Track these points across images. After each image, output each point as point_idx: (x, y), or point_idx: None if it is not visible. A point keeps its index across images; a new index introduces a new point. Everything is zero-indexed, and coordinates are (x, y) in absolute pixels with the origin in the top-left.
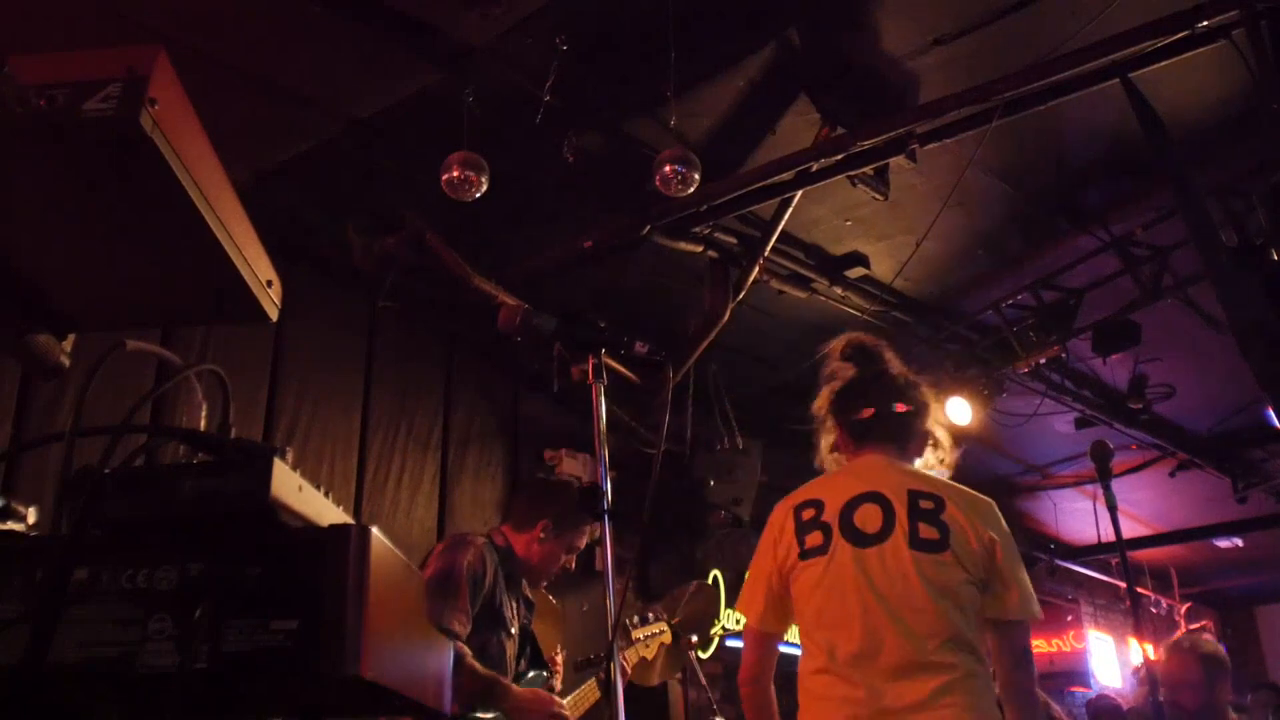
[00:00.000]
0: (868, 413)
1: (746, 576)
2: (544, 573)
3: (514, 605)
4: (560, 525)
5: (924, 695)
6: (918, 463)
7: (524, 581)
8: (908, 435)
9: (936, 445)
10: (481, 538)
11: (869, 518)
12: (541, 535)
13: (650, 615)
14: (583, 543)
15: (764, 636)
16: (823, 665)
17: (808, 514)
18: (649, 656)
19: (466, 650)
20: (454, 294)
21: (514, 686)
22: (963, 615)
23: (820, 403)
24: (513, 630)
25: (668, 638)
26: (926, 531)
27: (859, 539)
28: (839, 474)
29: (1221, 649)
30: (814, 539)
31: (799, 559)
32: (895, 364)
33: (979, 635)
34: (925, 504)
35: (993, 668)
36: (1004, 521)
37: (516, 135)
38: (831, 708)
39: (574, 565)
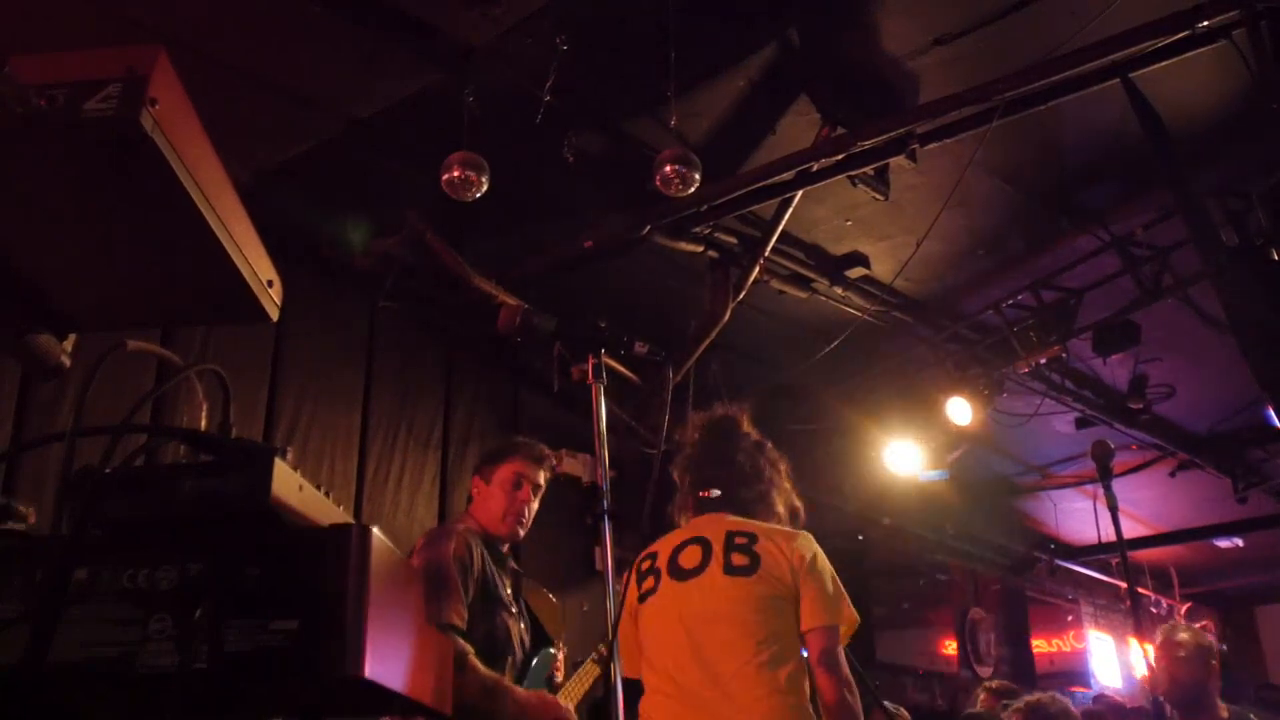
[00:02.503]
0: (712, 493)
1: None
2: (508, 523)
3: (505, 581)
4: (486, 471)
5: (745, 701)
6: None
7: (507, 556)
8: (750, 506)
9: (778, 520)
10: (461, 525)
11: (690, 556)
12: (478, 490)
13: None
14: (514, 469)
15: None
16: (656, 687)
17: (645, 564)
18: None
19: (469, 649)
20: (454, 294)
21: (517, 689)
22: (776, 628)
23: (676, 472)
24: (514, 608)
25: None
26: (739, 559)
27: (680, 575)
28: (676, 532)
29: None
30: (648, 583)
31: (638, 602)
32: (748, 448)
33: (797, 647)
34: (740, 539)
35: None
36: (814, 546)
37: (516, 135)
38: None
39: (535, 501)
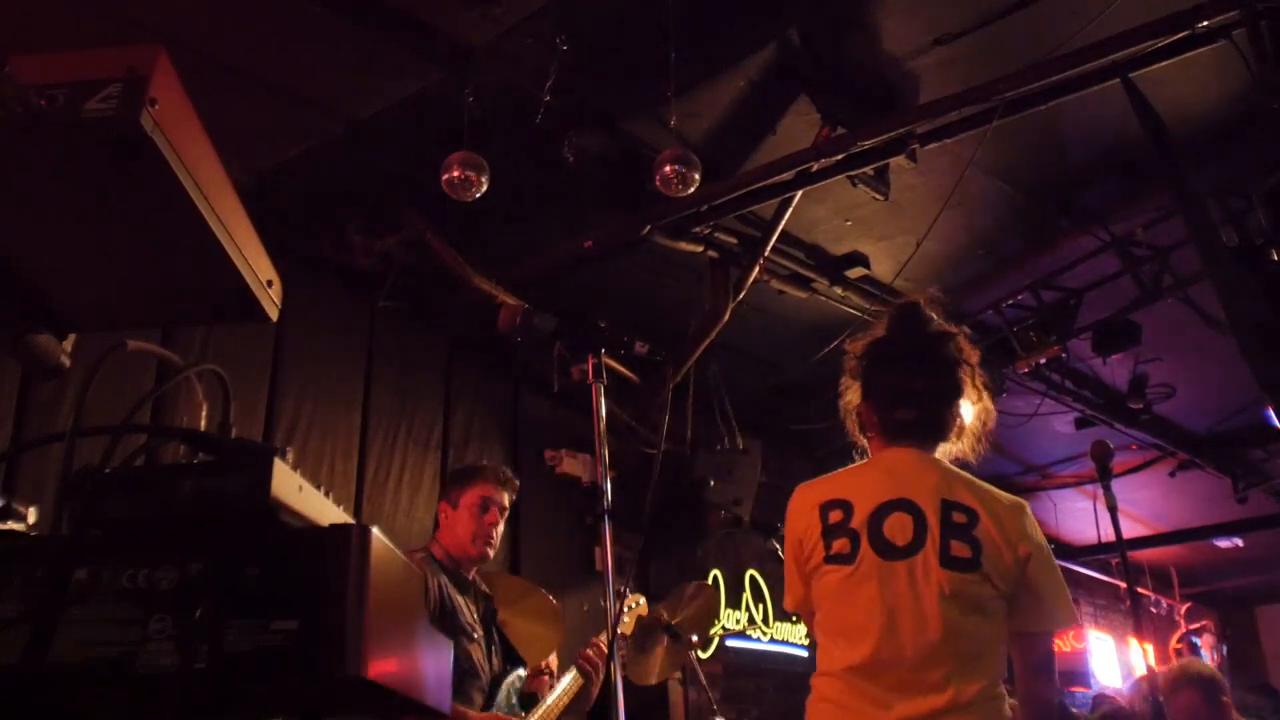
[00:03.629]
0: (907, 415)
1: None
2: (478, 546)
3: (471, 607)
4: (452, 497)
5: (932, 712)
6: (941, 449)
7: (473, 582)
8: (942, 430)
9: (961, 433)
10: (419, 553)
11: (899, 528)
12: (445, 516)
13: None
14: (480, 494)
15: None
16: (836, 671)
17: (834, 516)
18: (627, 633)
19: None
20: (454, 294)
21: (470, 712)
22: (986, 634)
23: (852, 366)
24: (475, 634)
25: (644, 610)
26: (959, 549)
27: (887, 551)
28: (867, 470)
29: (1214, 669)
30: (840, 545)
31: (823, 562)
32: (947, 347)
33: (1001, 653)
34: (958, 517)
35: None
36: (1037, 527)
37: (516, 135)
38: (841, 715)
39: (500, 524)
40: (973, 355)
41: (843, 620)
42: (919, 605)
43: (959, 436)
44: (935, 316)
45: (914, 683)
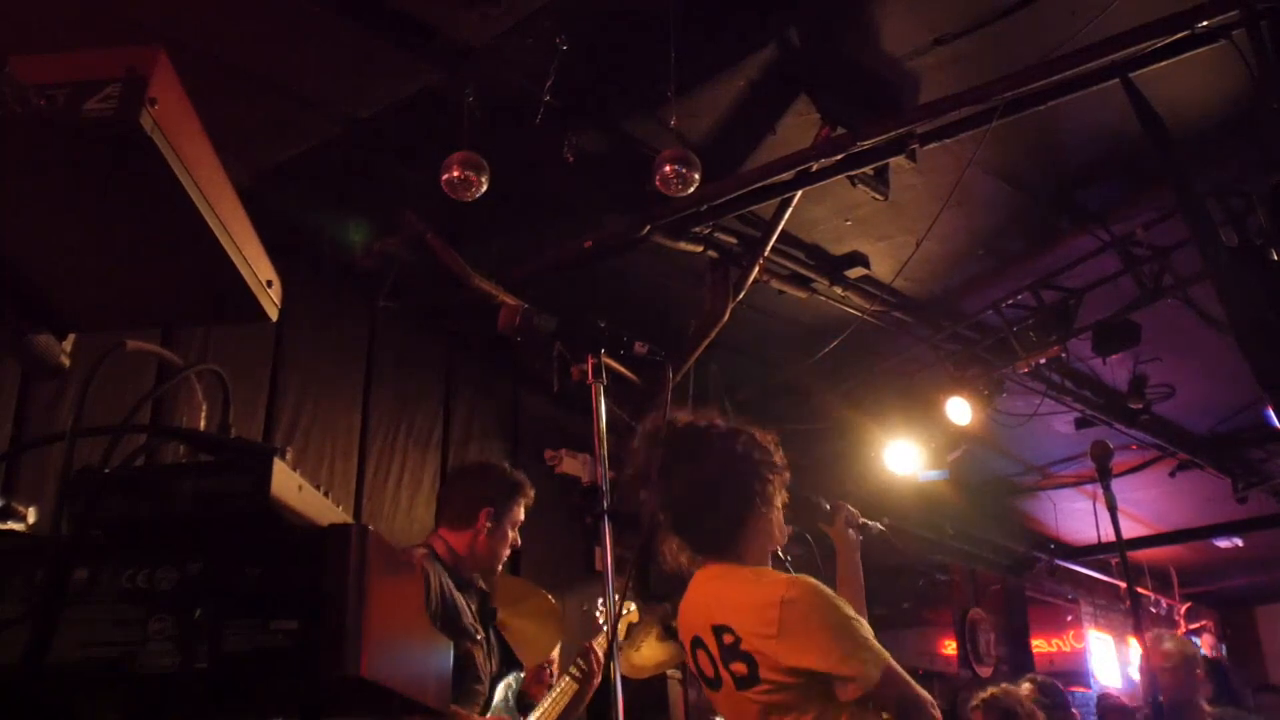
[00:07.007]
0: (686, 550)
1: None
2: (495, 562)
3: (472, 606)
4: (501, 508)
5: None
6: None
7: (477, 579)
8: (718, 554)
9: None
10: (421, 549)
11: (704, 663)
12: (489, 525)
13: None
14: (523, 516)
15: None
16: None
17: (685, 640)
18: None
19: None
20: (454, 294)
21: (463, 714)
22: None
23: (644, 498)
24: (478, 635)
25: (634, 616)
26: (738, 668)
27: (709, 684)
28: (686, 596)
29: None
30: (696, 672)
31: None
32: (699, 466)
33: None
34: (727, 638)
35: None
36: (792, 588)
37: (516, 135)
38: None
39: (519, 542)
40: (753, 468)
41: None
42: None
43: (752, 549)
44: (692, 432)
45: None
